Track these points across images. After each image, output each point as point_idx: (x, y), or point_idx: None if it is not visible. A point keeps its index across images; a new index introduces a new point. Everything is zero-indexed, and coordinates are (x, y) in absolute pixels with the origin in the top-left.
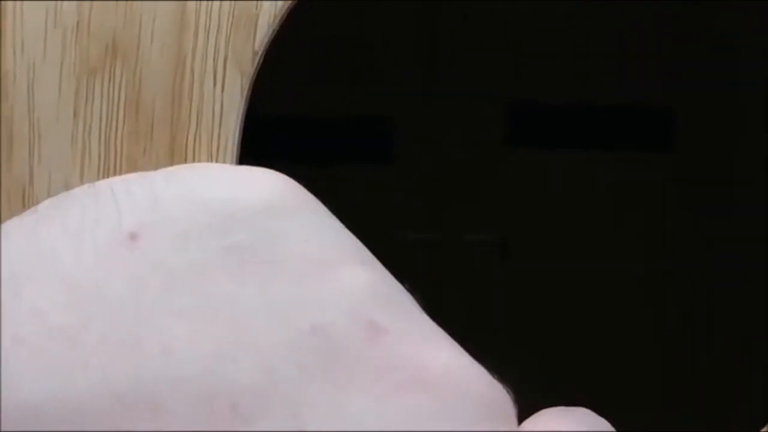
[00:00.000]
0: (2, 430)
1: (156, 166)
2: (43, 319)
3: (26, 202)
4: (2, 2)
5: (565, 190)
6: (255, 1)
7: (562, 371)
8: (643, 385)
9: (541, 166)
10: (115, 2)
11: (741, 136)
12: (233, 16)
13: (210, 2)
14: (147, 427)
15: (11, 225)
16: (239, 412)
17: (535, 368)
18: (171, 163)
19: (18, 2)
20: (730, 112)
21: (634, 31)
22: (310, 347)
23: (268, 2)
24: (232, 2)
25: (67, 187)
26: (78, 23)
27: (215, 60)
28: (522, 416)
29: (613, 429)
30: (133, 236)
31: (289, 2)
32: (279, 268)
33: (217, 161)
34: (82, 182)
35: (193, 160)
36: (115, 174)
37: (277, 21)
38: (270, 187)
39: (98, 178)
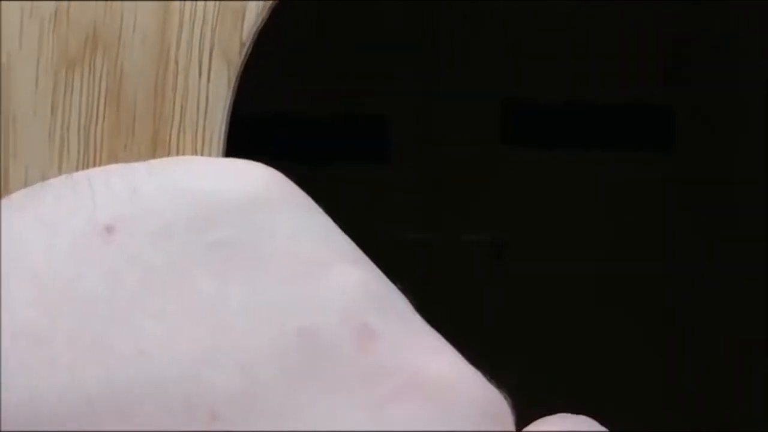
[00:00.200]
0: None
1: (137, 161)
2: (9, 314)
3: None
4: None
5: (564, 190)
6: None
7: (560, 372)
8: (642, 386)
9: (540, 166)
10: None
11: (741, 136)
12: (220, 5)
13: None
14: None
15: None
16: (219, 420)
17: (533, 369)
18: (153, 158)
19: None
20: (730, 112)
21: (634, 31)
22: (297, 351)
23: None
24: None
25: None
26: (56, 12)
27: (200, 51)
28: (520, 417)
29: None
30: (109, 229)
31: None
32: (265, 266)
33: (201, 155)
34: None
35: (177, 154)
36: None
37: (266, 10)
38: (256, 179)
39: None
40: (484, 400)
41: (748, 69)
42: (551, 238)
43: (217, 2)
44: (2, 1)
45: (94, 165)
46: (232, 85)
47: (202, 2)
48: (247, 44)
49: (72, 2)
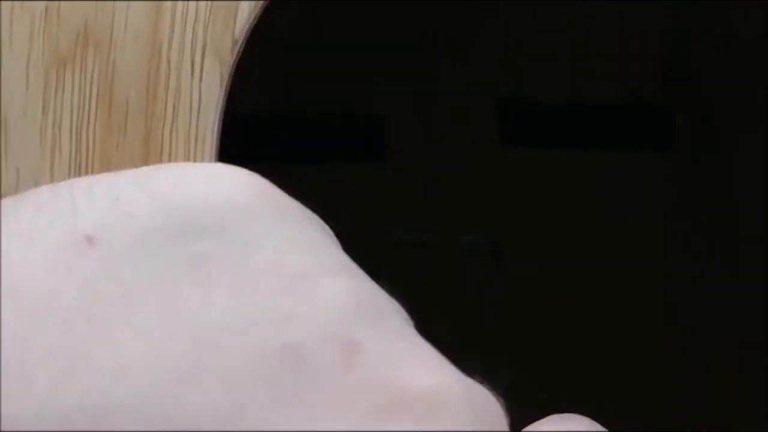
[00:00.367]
0: None
1: (130, 161)
2: None
3: None
4: None
5: (563, 190)
6: None
7: (560, 372)
8: (642, 386)
9: (538, 166)
10: None
11: (741, 136)
12: (212, 4)
13: None
14: None
15: None
16: None
17: (532, 369)
18: (146, 158)
19: None
20: (729, 111)
21: (633, 30)
22: (280, 369)
23: None
24: None
25: (37, 184)
26: (46, 10)
27: (193, 49)
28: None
29: None
30: (89, 239)
31: None
32: (248, 279)
33: (194, 155)
34: (52, 179)
35: (170, 154)
36: (87, 170)
37: (259, 8)
38: (242, 188)
39: (70, 175)
40: (473, 412)
41: (748, 69)
42: (550, 238)
43: (210, 1)
44: None
45: (87, 165)
46: (224, 84)
47: (194, 1)
48: (240, 43)
49: (62, 0)
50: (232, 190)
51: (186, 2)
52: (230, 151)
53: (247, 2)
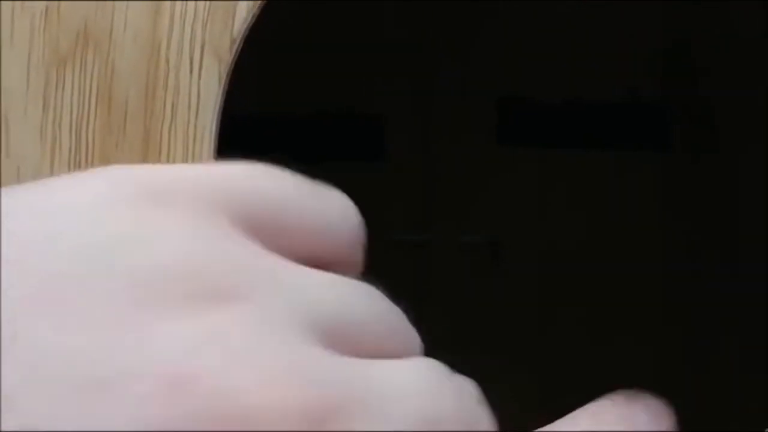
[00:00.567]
0: None
1: (129, 159)
2: None
3: None
4: None
5: (562, 190)
6: None
7: (559, 372)
8: (642, 386)
9: (537, 166)
10: None
11: (741, 136)
12: (210, 3)
13: None
14: None
15: None
16: None
17: (531, 370)
18: (145, 156)
19: None
20: (729, 112)
21: (633, 30)
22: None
23: None
24: None
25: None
26: (47, 9)
27: (191, 48)
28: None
29: None
30: None
31: None
32: (88, 306)
33: (193, 153)
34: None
35: (168, 153)
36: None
37: (257, 7)
38: (102, 197)
39: (69, 172)
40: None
41: (748, 69)
42: (549, 238)
43: (208, 0)
44: None
45: (86, 163)
46: (222, 82)
47: (193, 0)
48: (238, 42)
49: (62, 0)
50: (89, 199)
51: (185, 2)
52: (227, 150)
53: (245, 2)
